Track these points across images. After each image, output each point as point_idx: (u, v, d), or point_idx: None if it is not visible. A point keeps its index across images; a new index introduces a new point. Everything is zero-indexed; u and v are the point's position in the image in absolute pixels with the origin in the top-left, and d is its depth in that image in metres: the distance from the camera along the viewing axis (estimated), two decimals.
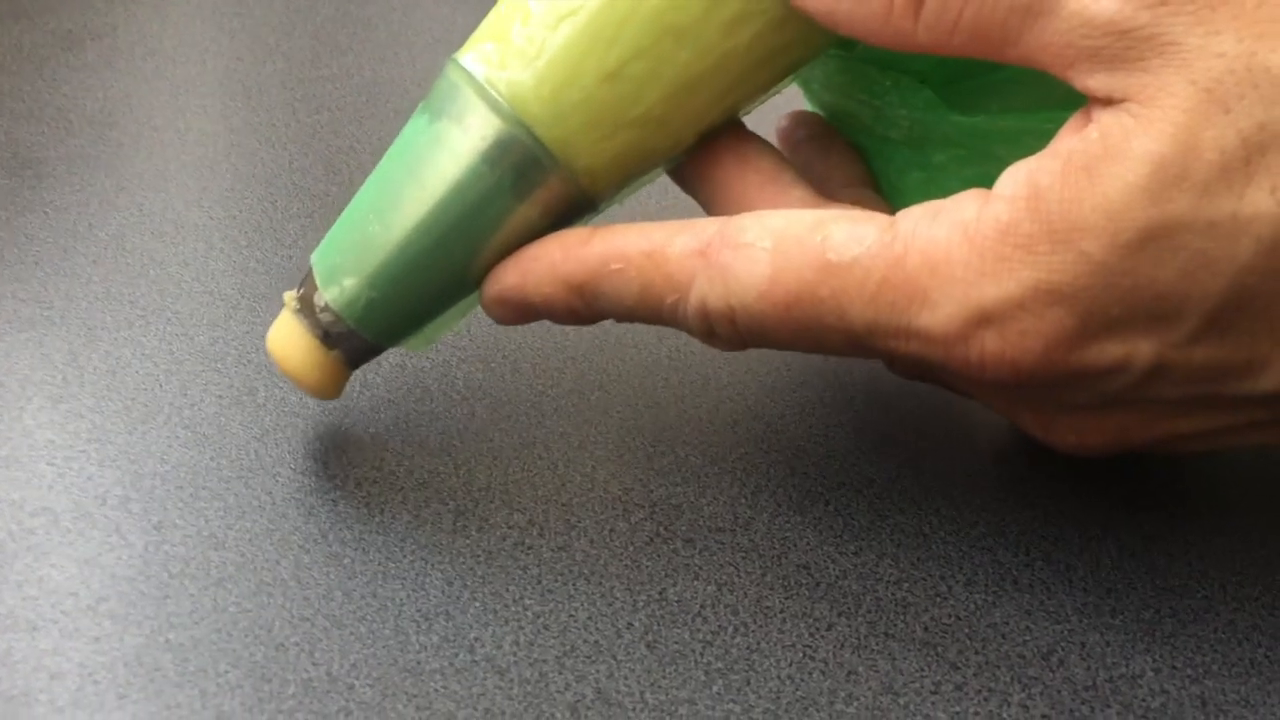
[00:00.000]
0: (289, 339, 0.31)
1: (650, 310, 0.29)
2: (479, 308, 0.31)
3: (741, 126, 0.31)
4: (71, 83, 0.50)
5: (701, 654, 0.27)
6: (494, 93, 0.29)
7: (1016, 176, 0.25)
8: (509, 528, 0.30)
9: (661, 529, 0.30)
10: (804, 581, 0.29)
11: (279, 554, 0.29)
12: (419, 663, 0.27)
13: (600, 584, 0.29)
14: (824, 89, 0.34)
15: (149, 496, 0.31)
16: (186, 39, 0.55)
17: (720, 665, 0.27)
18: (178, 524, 0.30)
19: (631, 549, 0.30)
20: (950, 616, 0.28)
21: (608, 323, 0.38)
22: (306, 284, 0.31)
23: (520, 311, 0.30)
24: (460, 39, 0.56)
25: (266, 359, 0.35)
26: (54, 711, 0.25)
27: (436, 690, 0.26)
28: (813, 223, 0.27)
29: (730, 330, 0.28)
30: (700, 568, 0.29)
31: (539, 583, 0.29)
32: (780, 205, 0.30)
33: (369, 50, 0.54)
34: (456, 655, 0.27)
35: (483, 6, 0.60)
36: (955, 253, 0.25)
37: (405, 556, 0.29)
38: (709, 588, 0.29)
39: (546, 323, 0.37)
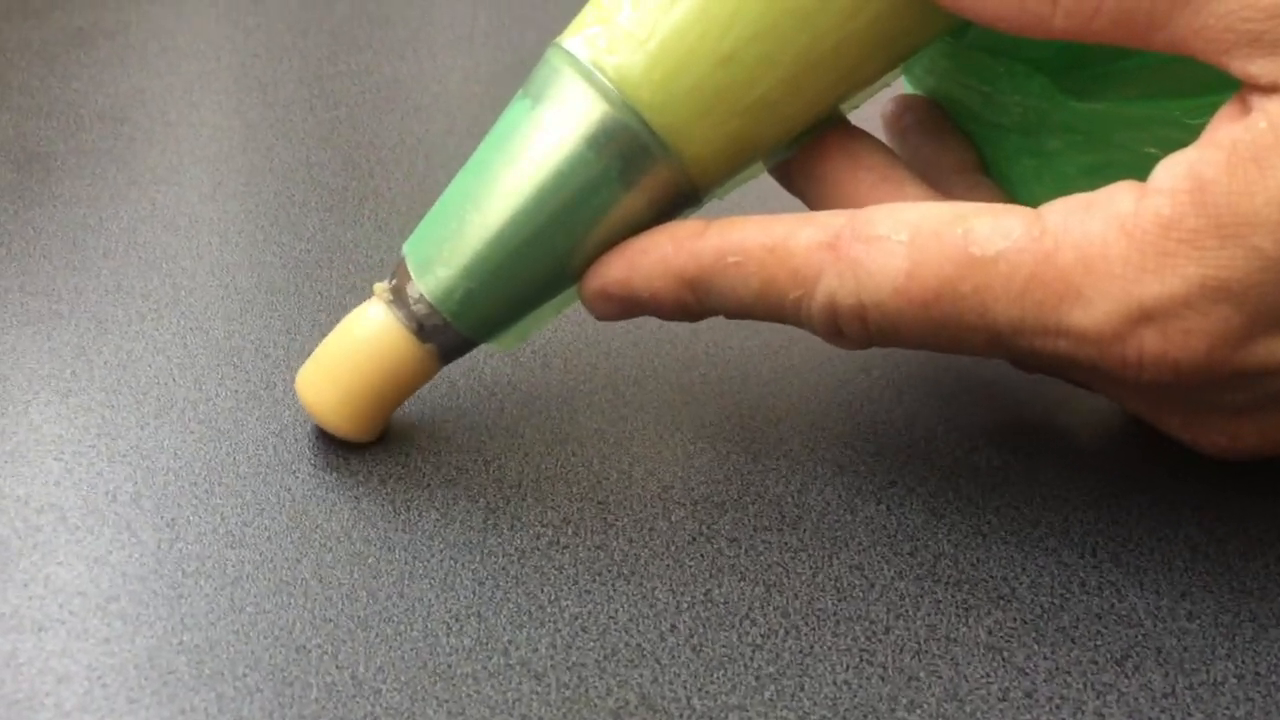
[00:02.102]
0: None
1: (770, 307, 0.27)
2: (576, 304, 0.30)
3: (848, 123, 0.30)
4: (82, 78, 0.49)
5: (751, 658, 0.25)
6: (601, 77, 0.27)
7: (1175, 169, 0.24)
8: (543, 526, 0.28)
9: (704, 528, 0.29)
10: (858, 583, 0.27)
11: (299, 553, 0.27)
12: (450, 666, 0.25)
13: (641, 584, 0.27)
14: (928, 74, 0.33)
15: (161, 493, 0.29)
16: (200, 36, 0.53)
17: (772, 670, 0.25)
18: (192, 521, 0.28)
19: (673, 548, 0.28)
20: (1015, 620, 0.27)
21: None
22: (399, 275, 0.29)
23: (624, 306, 0.29)
24: (481, 36, 0.55)
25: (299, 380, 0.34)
26: (60, 716, 0.23)
27: (469, 695, 0.24)
28: (951, 216, 0.25)
29: (859, 328, 0.26)
30: (747, 568, 0.28)
31: (575, 583, 0.27)
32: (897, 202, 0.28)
33: (387, 47, 0.53)
34: (490, 658, 0.25)
35: (503, 4, 0.58)
36: (1113, 248, 0.24)
37: (433, 555, 0.28)
38: (757, 589, 0.27)
39: (576, 315, 0.35)
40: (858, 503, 0.30)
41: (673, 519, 0.29)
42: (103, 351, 0.33)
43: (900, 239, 0.25)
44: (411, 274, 0.29)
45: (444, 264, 0.29)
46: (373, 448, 0.30)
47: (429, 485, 0.29)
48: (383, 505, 0.29)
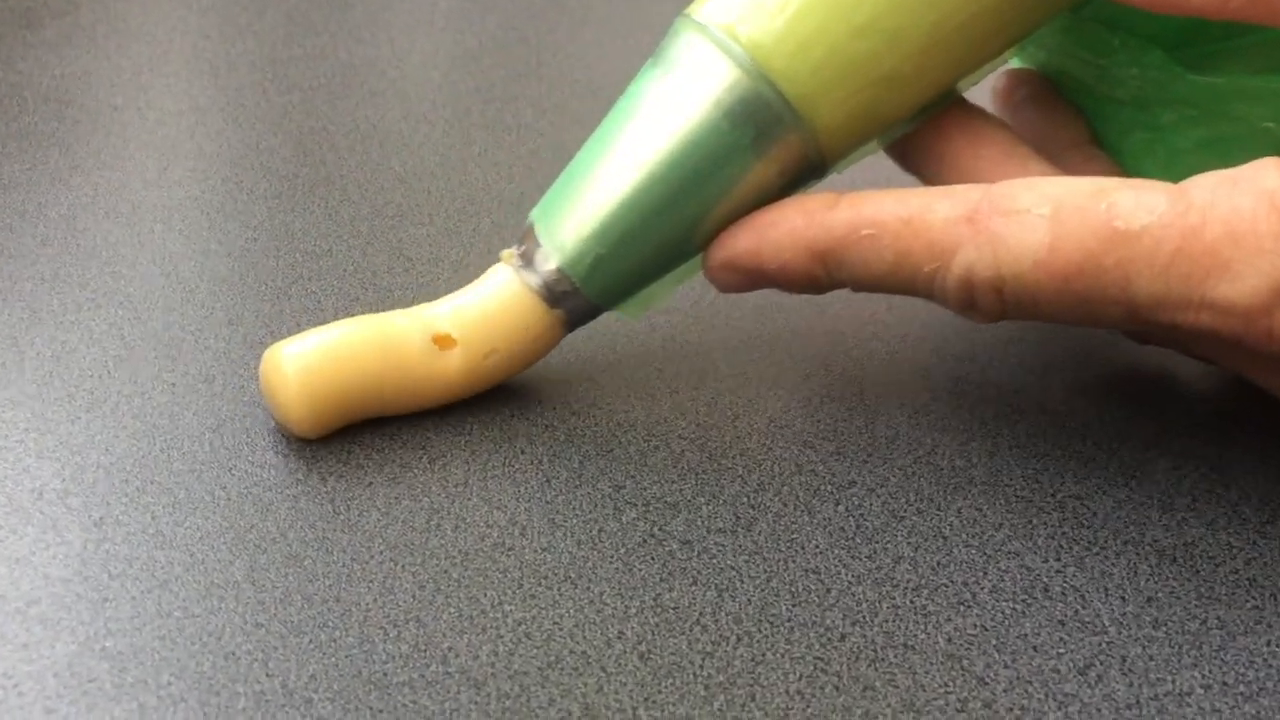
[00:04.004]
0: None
1: (902, 280, 0.27)
2: (699, 274, 0.31)
3: (966, 101, 0.30)
4: (28, 59, 0.47)
5: (701, 666, 0.24)
6: (735, 45, 0.28)
7: None
8: (488, 527, 0.27)
9: (656, 529, 0.28)
10: (813, 588, 0.26)
11: (232, 554, 0.26)
12: (385, 674, 0.24)
13: (588, 588, 0.26)
14: (1039, 48, 0.33)
15: (90, 490, 0.28)
16: (153, 17, 0.52)
17: (722, 679, 0.24)
18: (121, 520, 0.27)
19: (623, 550, 0.27)
20: (975, 627, 0.26)
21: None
22: (527, 241, 0.30)
23: (750, 278, 0.29)
24: (441, 20, 0.54)
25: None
26: None
27: (405, 705, 0.23)
28: (1093, 190, 0.26)
29: (994, 301, 0.27)
30: (699, 571, 0.27)
31: (520, 587, 0.26)
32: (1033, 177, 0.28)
33: (345, 31, 0.52)
34: (428, 666, 0.24)
35: None
36: (1263, 224, 0.24)
37: (372, 558, 0.26)
38: (709, 593, 0.26)
39: None
40: (815, 504, 0.29)
41: (623, 520, 0.28)
42: (35, 342, 0.32)
43: (1042, 212, 0.26)
44: (540, 240, 0.29)
45: (574, 230, 0.29)
46: (314, 444, 0.29)
47: (370, 483, 0.28)
48: (321, 504, 0.28)
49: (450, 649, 0.24)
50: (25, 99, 0.44)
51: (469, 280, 0.36)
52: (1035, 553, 0.27)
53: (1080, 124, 0.32)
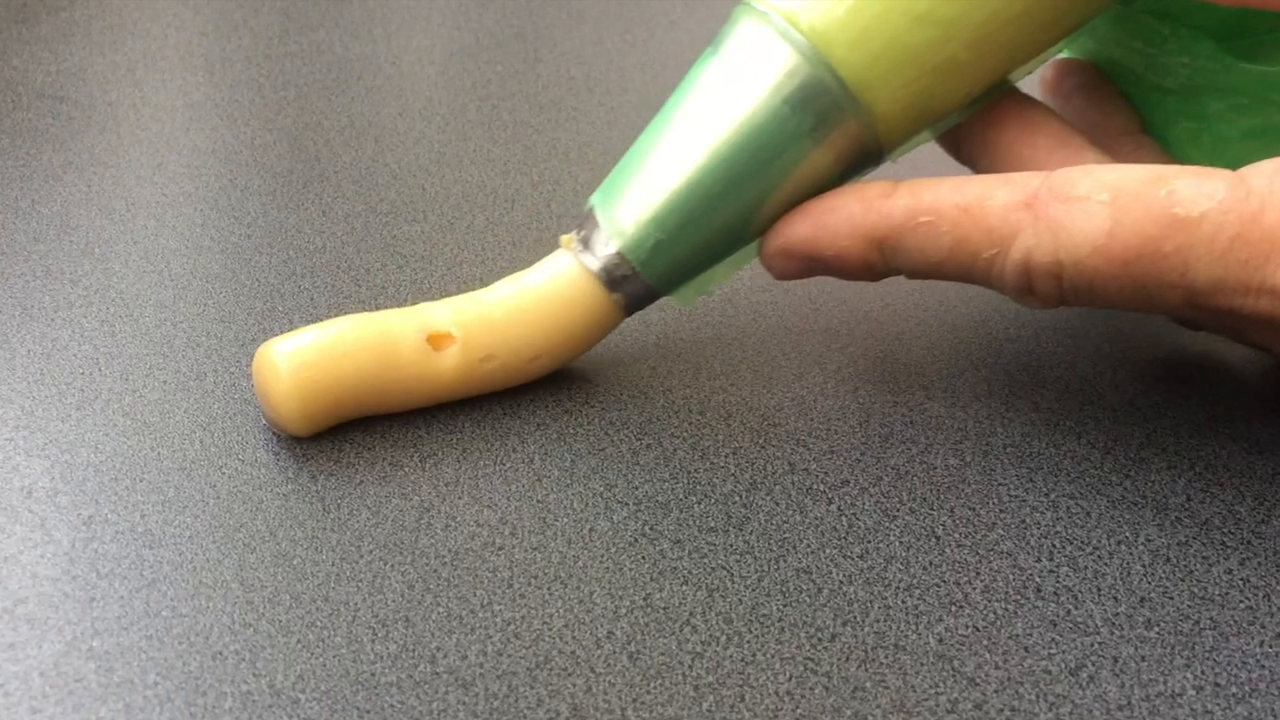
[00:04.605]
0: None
1: (960, 266, 0.28)
2: (753, 261, 0.31)
3: (1018, 91, 0.31)
4: (22, 55, 0.47)
5: (691, 666, 0.24)
6: (796, 32, 0.28)
7: None
8: (478, 526, 0.27)
9: (647, 528, 0.27)
10: (804, 587, 0.26)
11: (221, 553, 0.26)
12: (373, 674, 0.24)
13: (578, 588, 0.26)
14: (1087, 38, 0.34)
15: (80, 489, 0.28)
16: (148, 13, 0.52)
17: (711, 679, 0.24)
18: (110, 519, 0.27)
19: (614, 550, 0.27)
20: (967, 627, 0.25)
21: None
22: (587, 225, 0.30)
23: (806, 265, 0.29)
24: (438, 16, 0.53)
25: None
26: None
27: (393, 705, 0.23)
28: (1152, 177, 0.26)
29: (1053, 287, 0.27)
30: (690, 571, 0.26)
31: (510, 586, 0.26)
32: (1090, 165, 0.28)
33: (341, 26, 0.52)
34: (416, 666, 0.24)
35: None
36: None
37: (361, 557, 0.26)
38: (699, 593, 0.26)
39: None
40: (808, 503, 0.28)
41: (614, 519, 0.28)
42: (26, 340, 0.32)
43: (1101, 199, 0.26)
44: (600, 224, 0.30)
45: (634, 214, 0.29)
46: (305, 442, 0.29)
47: (361, 482, 0.28)
48: (311, 503, 0.28)
49: (439, 649, 0.24)
50: (19, 94, 0.44)
51: (463, 278, 0.36)
52: (1028, 552, 0.27)
53: (1130, 112, 0.33)
